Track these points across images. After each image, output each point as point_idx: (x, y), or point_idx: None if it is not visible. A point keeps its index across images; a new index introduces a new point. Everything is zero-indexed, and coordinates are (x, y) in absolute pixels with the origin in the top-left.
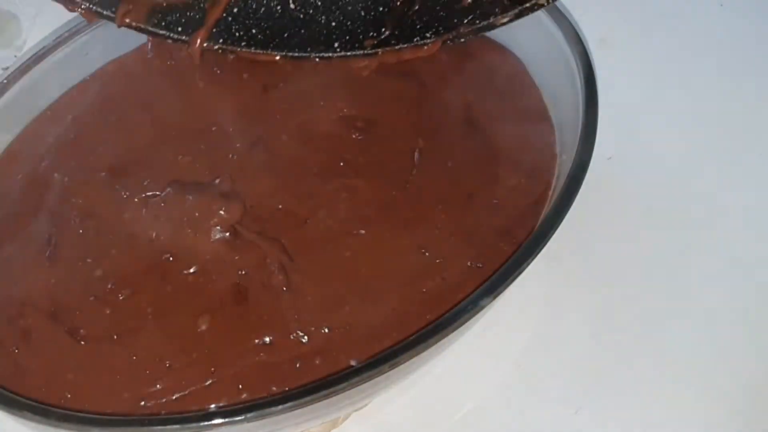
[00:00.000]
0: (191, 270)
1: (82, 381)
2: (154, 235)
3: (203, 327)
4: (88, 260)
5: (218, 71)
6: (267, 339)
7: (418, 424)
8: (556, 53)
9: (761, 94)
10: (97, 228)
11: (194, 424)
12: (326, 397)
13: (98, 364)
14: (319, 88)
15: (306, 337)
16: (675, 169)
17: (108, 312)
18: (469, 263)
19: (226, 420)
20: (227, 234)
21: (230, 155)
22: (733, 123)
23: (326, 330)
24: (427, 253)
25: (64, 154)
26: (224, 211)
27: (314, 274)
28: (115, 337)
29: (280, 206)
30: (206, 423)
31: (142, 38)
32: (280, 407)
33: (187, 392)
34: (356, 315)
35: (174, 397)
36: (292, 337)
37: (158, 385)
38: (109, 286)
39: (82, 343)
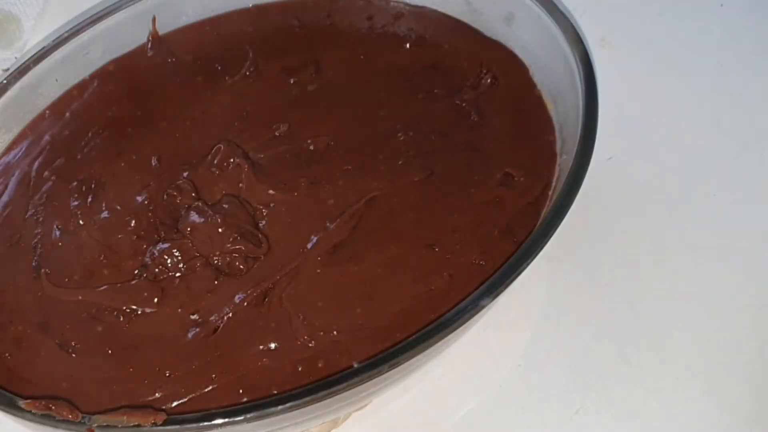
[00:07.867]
0: (186, 279)
1: (77, 390)
2: (143, 243)
3: (194, 337)
4: (75, 277)
5: (219, 67)
6: (272, 345)
7: (418, 424)
8: (557, 53)
9: (761, 94)
10: (77, 242)
11: (195, 425)
12: (326, 397)
13: (93, 376)
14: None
15: (313, 342)
16: (675, 169)
17: (100, 330)
18: (474, 259)
19: (227, 420)
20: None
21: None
22: (733, 123)
23: (335, 333)
24: (437, 249)
25: (54, 156)
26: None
27: (325, 277)
28: (110, 351)
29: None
30: (207, 423)
31: (142, 38)
32: (280, 407)
33: (187, 399)
34: (366, 316)
35: (173, 405)
36: (299, 343)
37: (157, 394)
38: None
39: (74, 356)
